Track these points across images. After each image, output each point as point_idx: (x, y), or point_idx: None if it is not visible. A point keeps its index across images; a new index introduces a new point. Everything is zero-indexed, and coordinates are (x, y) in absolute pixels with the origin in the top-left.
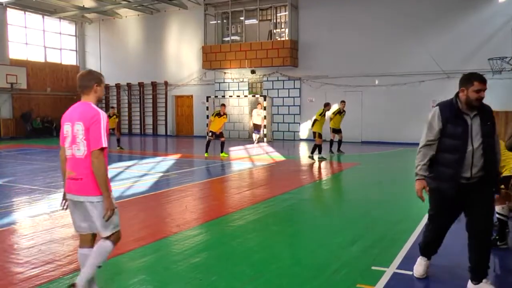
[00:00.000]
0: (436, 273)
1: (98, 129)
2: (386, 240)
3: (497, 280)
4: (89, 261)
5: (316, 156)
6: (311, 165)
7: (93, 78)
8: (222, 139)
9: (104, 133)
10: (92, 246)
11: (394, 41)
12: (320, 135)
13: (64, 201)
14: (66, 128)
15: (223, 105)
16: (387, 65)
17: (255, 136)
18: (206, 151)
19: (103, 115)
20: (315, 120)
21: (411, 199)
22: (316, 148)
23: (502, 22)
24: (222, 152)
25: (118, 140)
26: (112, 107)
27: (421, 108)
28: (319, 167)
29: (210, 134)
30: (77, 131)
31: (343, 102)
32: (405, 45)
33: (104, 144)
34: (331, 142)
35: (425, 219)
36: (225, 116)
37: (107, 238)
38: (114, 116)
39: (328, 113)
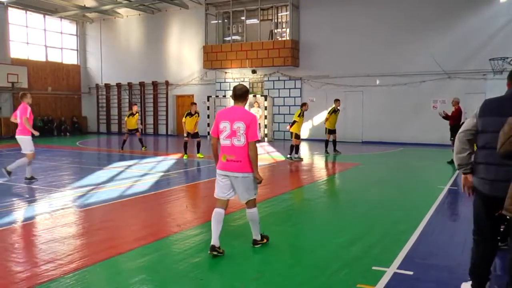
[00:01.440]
0: (436, 273)
1: (255, 127)
2: (387, 240)
3: (497, 280)
4: (253, 226)
5: (293, 156)
6: (312, 165)
7: (247, 91)
8: (198, 139)
9: (258, 129)
10: (224, 207)
11: (395, 41)
12: (297, 136)
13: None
14: (223, 124)
15: (193, 103)
16: (388, 65)
17: None
18: (185, 153)
19: (256, 117)
20: (293, 121)
21: (411, 199)
22: (293, 148)
23: (503, 22)
24: (198, 152)
25: (141, 140)
26: (135, 104)
27: (422, 108)
28: (320, 167)
29: (185, 135)
30: (237, 127)
31: (338, 100)
32: (406, 45)
33: (259, 137)
34: (326, 142)
35: (426, 219)
36: (197, 114)
37: (251, 205)
38: (137, 114)
39: (310, 114)
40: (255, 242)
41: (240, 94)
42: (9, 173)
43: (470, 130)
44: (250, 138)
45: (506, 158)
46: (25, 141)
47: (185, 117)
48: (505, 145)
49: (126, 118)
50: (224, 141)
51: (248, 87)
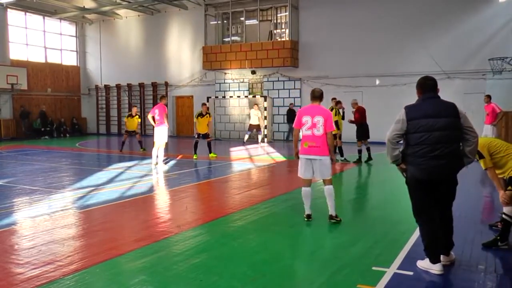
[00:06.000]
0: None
1: (331, 120)
2: (387, 241)
3: (498, 280)
4: (330, 201)
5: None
6: None
7: (322, 93)
8: (208, 139)
9: (333, 122)
10: (309, 185)
11: (395, 41)
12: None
13: (298, 158)
14: (305, 118)
15: (204, 104)
16: (388, 65)
17: (246, 136)
18: (195, 153)
19: (331, 113)
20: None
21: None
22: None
23: (503, 22)
24: (210, 152)
25: (140, 142)
26: (135, 106)
27: None
28: None
29: (196, 136)
30: (317, 121)
31: (334, 99)
32: (406, 45)
33: (334, 128)
34: (341, 149)
35: None
36: (208, 115)
37: (328, 183)
38: (137, 116)
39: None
40: (331, 217)
41: (318, 95)
42: (157, 163)
43: (399, 133)
44: (328, 129)
45: None
46: (165, 131)
47: (196, 118)
48: None
49: (125, 119)
50: (306, 132)
51: (249, 87)
